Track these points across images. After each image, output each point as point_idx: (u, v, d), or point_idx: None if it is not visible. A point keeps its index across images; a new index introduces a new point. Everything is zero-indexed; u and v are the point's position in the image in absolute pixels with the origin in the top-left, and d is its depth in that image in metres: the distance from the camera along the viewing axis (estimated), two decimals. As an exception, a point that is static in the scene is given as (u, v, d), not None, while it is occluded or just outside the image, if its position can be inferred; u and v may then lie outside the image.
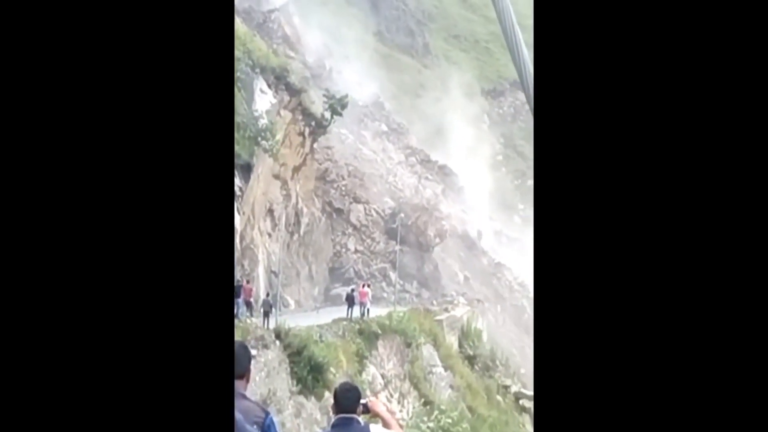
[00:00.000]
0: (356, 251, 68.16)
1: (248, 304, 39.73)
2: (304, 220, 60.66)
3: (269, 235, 53.21)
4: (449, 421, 37.74)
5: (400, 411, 40.22)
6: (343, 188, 71.00)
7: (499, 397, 55.24)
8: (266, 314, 40.01)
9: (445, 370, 49.64)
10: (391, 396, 41.30)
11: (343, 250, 67.89)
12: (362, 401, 6.89)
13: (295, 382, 32.61)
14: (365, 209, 70.88)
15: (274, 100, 52.34)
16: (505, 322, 76.97)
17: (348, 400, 6.79)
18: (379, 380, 40.98)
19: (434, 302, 64.97)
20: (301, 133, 57.51)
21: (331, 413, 6.92)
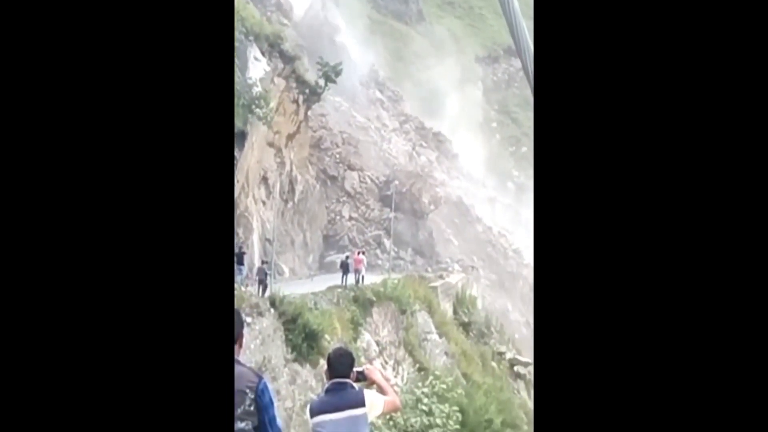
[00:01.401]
0: (351, 219, 68.18)
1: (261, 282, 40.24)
2: (299, 188, 60.60)
3: (263, 203, 53.21)
4: (444, 387, 37.88)
5: (395, 377, 40.40)
6: (338, 156, 70.90)
7: (493, 364, 55.52)
8: (261, 282, 40.09)
9: (440, 336, 49.81)
10: (386, 363, 41.48)
11: (338, 217, 67.90)
12: (358, 369, 6.93)
13: (289, 350, 32.70)
14: (359, 176, 70.82)
15: (268, 68, 52.12)
16: (499, 288, 77.19)
17: (342, 365, 6.82)
18: (374, 347, 41.14)
19: (429, 269, 65.15)
20: (295, 101, 57.33)
21: (325, 379, 6.96)
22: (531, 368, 60.13)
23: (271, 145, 53.69)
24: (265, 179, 53.31)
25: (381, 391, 6.99)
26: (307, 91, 58.40)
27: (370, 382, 7.00)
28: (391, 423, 30.97)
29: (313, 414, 6.72)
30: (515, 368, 59.28)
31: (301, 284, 46.71)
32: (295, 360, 32.81)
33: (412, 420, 33.64)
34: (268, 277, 41.40)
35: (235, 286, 33.73)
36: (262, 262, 44.86)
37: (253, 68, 49.65)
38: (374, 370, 7.17)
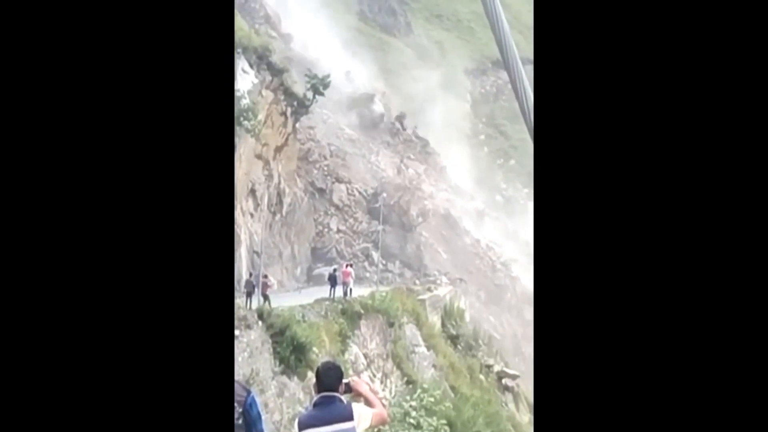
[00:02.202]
0: (339, 231, 68.19)
1: (265, 297, 40.51)
2: (287, 200, 60.59)
3: (251, 215, 53.18)
4: (432, 400, 37.87)
5: (383, 390, 40.35)
6: (326, 168, 70.93)
7: (481, 377, 55.48)
8: (249, 295, 40.08)
9: (428, 349, 49.77)
10: (374, 376, 41.42)
11: (326, 230, 67.91)
12: (345, 381, 6.90)
13: (277, 363, 32.63)
14: (347, 189, 70.85)
15: (256, 80, 52.20)
16: (487, 301, 77.18)
17: (330, 378, 6.79)
18: (362, 360, 41.08)
19: (417, 282, 65.15)
20: (283, 113, 57.37)
21: (313, 392, 6.93)
22: (519, 381, 60.17)
23: (259, 157, 53.70)
24: (252, 191, 53.29)
25: (368, 403, 6.96)
26: (295, 103, 58.46)
27: (357, 394, 6.97)
28: (379, 436, 30.93)
29: (301, 427, 6.68)
30: (503, 381, 59.24)
31: (289, 297, 46.65)
32: (282, 373, 32.74)
33: (400, 433, 33.62)
34: (257, 290, 41.38)
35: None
36: (250, 275, 44.84)
37: (242, 80, 49.71)
38: (361, 382, 7.14)
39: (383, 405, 7.24)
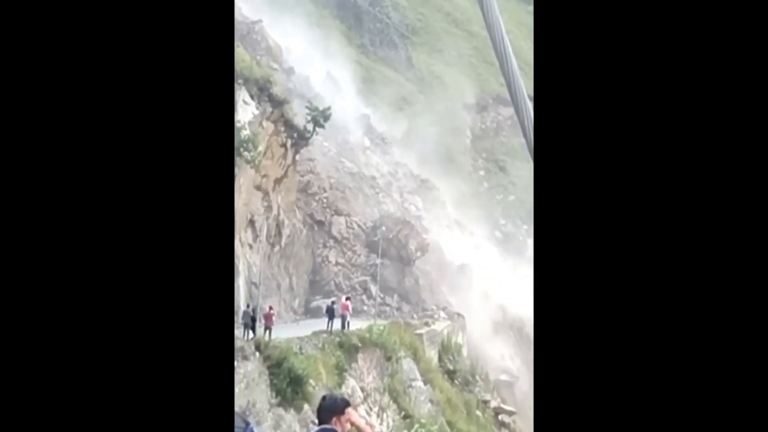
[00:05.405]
0: (337, 264, 68.15)
1: (268, 329, 40.29)
2: (285, 232, 60.59)
3: (250, 246, 53.15)
4: (428, 435, 37.75)
5: (380, 424, 40.17)
6: (325, 200, 71.01)
7: (478, 412, 55.27)
8: (246, 326, 39.96)
9: (425, 384, 49.63)
10: (371, 409, 41.26)
11: (324, 262, 67.87)
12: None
13: (274, 394, 32.55)
14: (347, 222, 70.89)
15: (257, 111, 52.34)
16: (485, 336, 76.98)
17: (325, 412, 6.76)
18: (359, 393, 40.94)
19: (414, 316, 65.05)
20: (284, 145, 57.48)
21: (310, 425, 6.90)
22: (515, 417, 59.94)
23: (258, 188, 53.77)
24: (252, 222, 53.31)
25: (361, 432, 6.93)
26: (295, 135, 58.59)
27: (351, 425, 6.94)
28: (375, 471, 30.74)
29: (297, 460, 6.65)
30: (500, 417, 59.01)
31: (287, 328, 46.58)
32: (279, 404, 32.64)
33: (397, 468, 33.47)
34: (254, 321, 41.28)
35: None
36: (248, 306, 44.74)
37: (242, 111, 49.85)
38: (353, 412, 7.10)
39: (377, 434, 7.22)
